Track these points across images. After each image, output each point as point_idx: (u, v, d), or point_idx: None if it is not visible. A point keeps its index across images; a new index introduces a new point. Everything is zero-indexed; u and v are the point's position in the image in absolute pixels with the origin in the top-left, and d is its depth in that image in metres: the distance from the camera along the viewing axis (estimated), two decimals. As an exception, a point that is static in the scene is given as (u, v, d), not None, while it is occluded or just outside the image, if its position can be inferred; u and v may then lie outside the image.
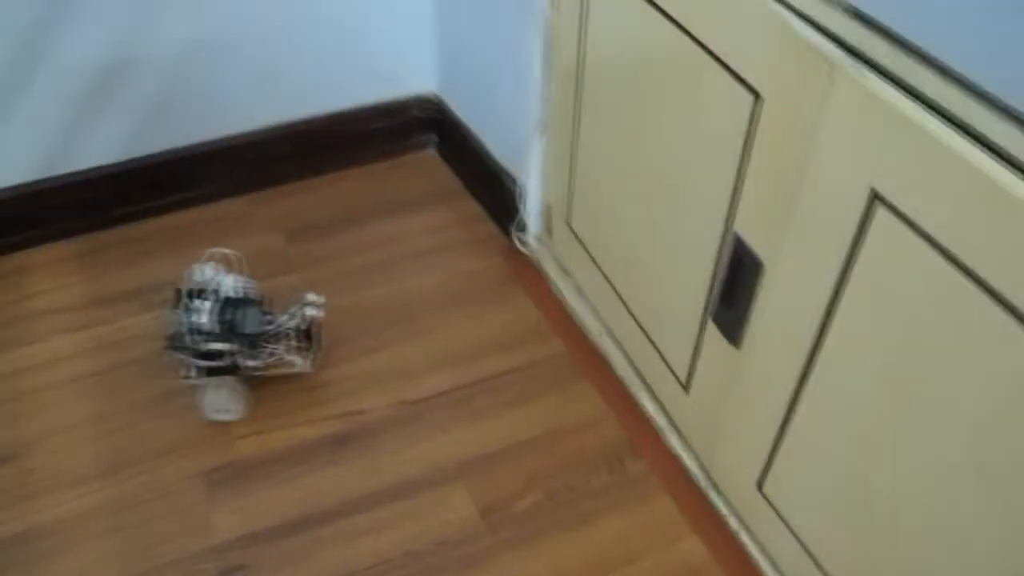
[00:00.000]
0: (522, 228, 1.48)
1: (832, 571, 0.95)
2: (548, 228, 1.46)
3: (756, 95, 0.85)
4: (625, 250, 1.22)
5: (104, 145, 1.47)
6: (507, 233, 1.51)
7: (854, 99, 0.73)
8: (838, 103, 0.75)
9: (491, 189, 1.54)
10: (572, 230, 1.37)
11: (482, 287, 1.45)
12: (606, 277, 1.29)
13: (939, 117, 0.67)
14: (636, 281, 1.21)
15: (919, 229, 0.70)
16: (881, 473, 0.83)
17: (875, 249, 0.75)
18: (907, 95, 0.69)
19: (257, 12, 1.44)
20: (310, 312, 1.21)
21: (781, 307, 0.90)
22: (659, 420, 1.24)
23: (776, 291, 0.91)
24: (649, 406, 1.25)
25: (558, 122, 1.30)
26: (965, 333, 0.68)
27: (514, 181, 1.45)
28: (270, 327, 1.20)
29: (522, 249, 1.50)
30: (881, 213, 0.73)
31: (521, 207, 1.46)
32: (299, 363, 1.24)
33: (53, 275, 1.46)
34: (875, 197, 0.73)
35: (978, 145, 0.64)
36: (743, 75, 0.86)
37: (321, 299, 1.22)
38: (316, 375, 1.28)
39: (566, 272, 1.44)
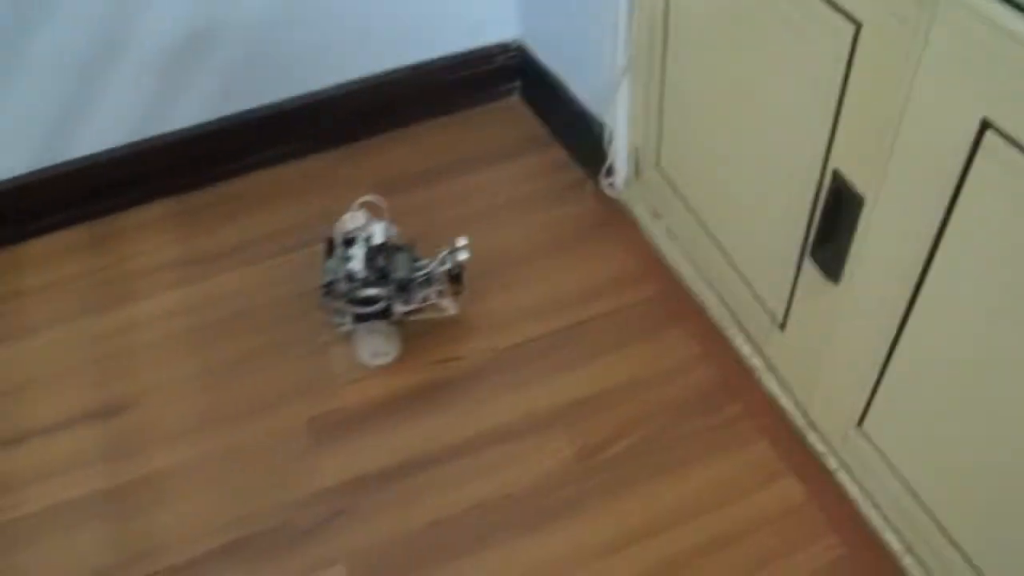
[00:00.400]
0: (610, 173, 1.47)
1: (935, 508, 0.94)
2: (637, 171, 1.44)
3: (856, 24, 0.82)
4: (718, 189, 1.20)
5: (197, 106, 1.50)
6: (595, 179, 1.50)
7: (961, 20, 0.70)
8: (942, 27, 0.72)
9: (577, 135, 1.53)
10: (662, 172, 1.35)
11: (572, 233, 1.44)
12: (698, 218, 1.27)
13: (1055, 36, 0.64)
14: (730, 220, 1.20)
15: (1033, 156, 0.67)
16: (988, 409, 0.81)
17: (985, 178, 0.73)
18: (1018, 11, 0.66)
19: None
20: (461, 256, 1.23)
21: (883, 242, 0.88)
22: (755, 361, 1.22)
23: (877, 226, 0.88)
24: (744, 348, 1.24)
25: (644, 63, 1.28)
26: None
27: (601, 126, 1.44)
28: (421, 272, 1.22)
29: (611, 194, 1.49)
30: (992, 140, 0.70)
31: (609, 151, 1.44)
32: (449, 306, 1.27)
33: (154, 234, 1.51)
34: (986, 126, 0.71)
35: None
36: (841, 2, 0.84)
37: (466, 241, 1.24)
38: (416, 321, 1.30)
39: (657, 215, 1.42)
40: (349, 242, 1.22)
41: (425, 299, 1.24)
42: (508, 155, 1.60)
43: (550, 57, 1.58)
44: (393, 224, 1.26)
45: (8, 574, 1.10)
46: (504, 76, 1.68)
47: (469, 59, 1.64)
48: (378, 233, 1.22)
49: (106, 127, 1.47)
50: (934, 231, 0.80)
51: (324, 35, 1.51)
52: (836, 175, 0.91)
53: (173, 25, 1.40)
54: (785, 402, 1.17)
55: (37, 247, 1.50)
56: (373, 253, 1.21)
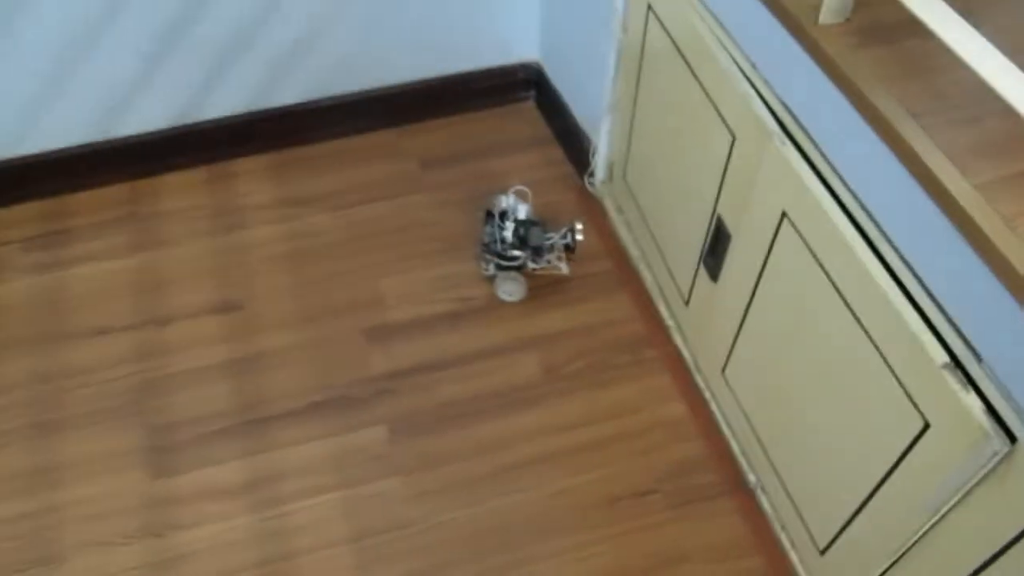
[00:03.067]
0: (592, 175, 2.04)
1: (758, 428, 1.54)
2: (610, 177, 2.01)
3: (733, 136, 1.39)
4: (658, 203, 1.78)
5: (295, 87, 2.05)
6: (581, 176, 2.08)
7: (778, 154, 1.27)
8: (770, 154, 1.29)
9: (572, 142, 2.10)
10: (626, 182, 1.92)
11: (560, 214, 2.01)
12: (645, 219, 1.85)
13: (816, 175, 1.21)
14: (663, 225, 1.77)
15: (803, 239, 1.25)
16: (784, 368, 1.40)
17: (783, 244, 1.31)
18: (804, 159, 1.23)
19: None
20: (578, 237, 1.83)
21: (739, 262, 1.47)
22: (670, 323, 1.82)
23: (736, 253, 1.47)
24: (665, 313, 1.83)
25: (623, 105, 1.83)
26: (819, 299, 1.25)
27: (589, 141, 2.00)
28: (548, 242, 1.81)
29: (590, 190, 2.06)
30: (786, 225, 1.29)
31: (592, 160, 2.01)
32: (564, 268, 1.87)
33: (259, 180, 2.07)
34: (784, 215, 1.29)
35: (829, 193, 1.19)
36: (728, 119, 1.40)
37: (582, 225, 1.84)
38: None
39: (620, 211, 2.00)
40: (503, 215, 1.81)
41: (548, 261, 1.84)
42: (520, 148, 2.16)
43: (559, 80, 2.14)
44: (531, 206, 1.84)
45: (164, 410, 1.69)
46: (523, 86, 2.24)
47: (500, 71, 2.19)
48: (522, 211, 1.81)
49: (227, 98, 2.02)
50: (761, 263, 1.38)
51: (395, 46, 2.05)
52: (719, 219, 1.49)
53: (295, 24, 1.94)
54: (684, 352, 1.77)
55: (171, 180, 2.07)
56: (518, 226, 1.79)
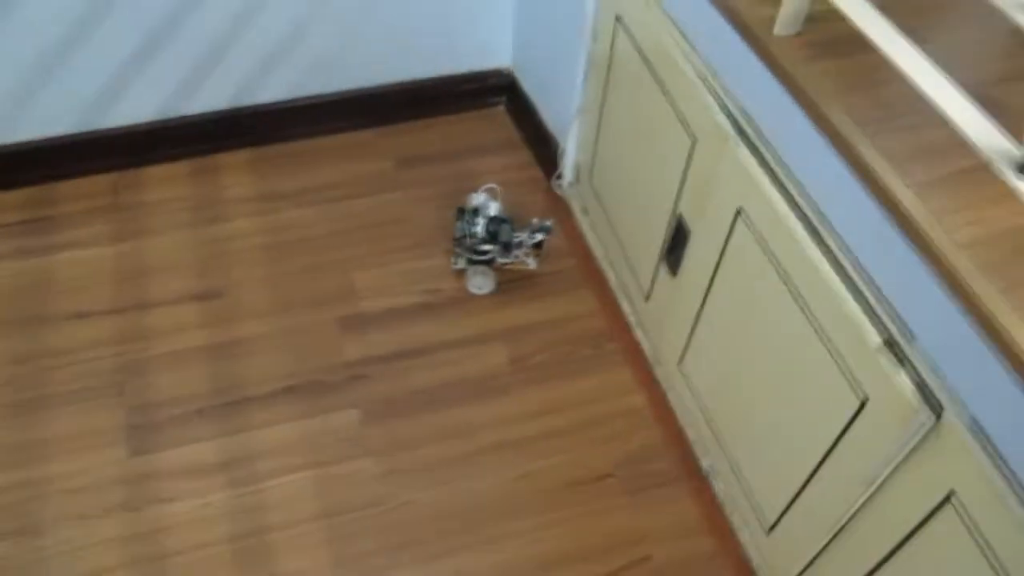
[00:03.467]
0: (559, 177, 2.14)
1: (712, 417, 1.64)
2: (577, 179, 2.11)
3: (694, 139, 1.49)
4: (622, 204, 1.87)
5: (278, 86, 2.13)
6: (548, 179, 2.17)
7: (734, 156, 1.37)
8: (728, 156, 1.39)
9: (541, 146, 2.19)
10: (592, 184, 2.02)
11: (528, 214, 2.09)
12: (609, 220, 1.95)
13: (769, 175, 1.31)
14: (626, 224, 1.87)
15: (756, 234, 1.35)
16: (737, 358, 1.50)
17: (737, 240, 1.41)
18: (758, 161, 1.33)
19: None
20: (543, 235, 1.92)
21: (697, 258, 1.56)
22: (632, 318, 1.91)
23: (695, 249, 1.56)
24: (627, 308, 1.93)
25: (590, 109, 1.93)
26: (769, 290, 1.34)
27: (557, 144, 2.10)
28: (517, 238, 1.90)
29: (558, 192, 2.15)
30: (740, 222, 1.39)
31: (560, 162, 2.10)
32: (532, 264, 1.96)
33: (239, 174, 2.14)
34: (739, 212, 1.39)
35: (780, 191, 1.29)
36: (689, 123, 1.50)
37: (552, 223, 1.93)
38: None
39: (585, 212, 2.09)
40: (474, 212, 1.89)
41: (517, 256, 1.92)
42: (491, 151, 2.25)
43: (530, 86, 2.23)
44: (501, 204, 1.92)
45: (144, 391, 1.75)
46: (495, 92, 2.33)
47: (471, 77, 2.28)
48: (492, 209, 1.89)
49: (210, 94, 2.08)
50: (717, 257, 1.48)
51: (374, 49, 2.13)
52: (679, 217, 1.59)
53: (280, 24, 2.02)
54: (644, 345, 1.87)
55: (155, 172, 2.13)
56: (488, 222, 1.87)
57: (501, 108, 2.37)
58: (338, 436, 1.71)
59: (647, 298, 1.82)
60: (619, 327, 1.92)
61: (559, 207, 2.13)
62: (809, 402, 1.31)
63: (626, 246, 1.88)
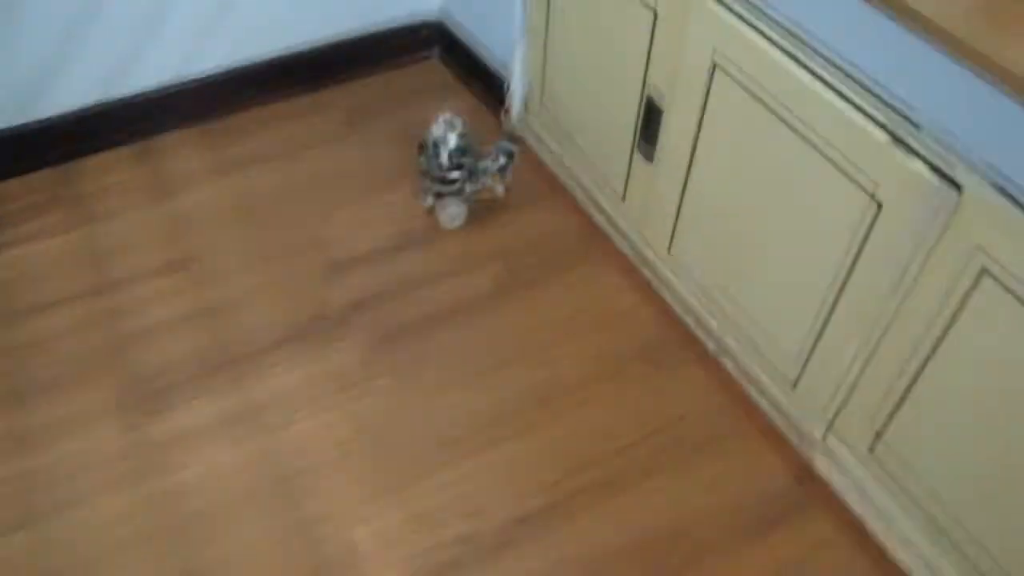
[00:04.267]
0: (507, 112, 2.15)
1: (713, 289, 1.66)
2: (527, 110, 2.13)
3: (655, 13, 1.52)
4: (580, 113, 1.89)
5: (213, 57, 2.09)
6: (496, 116, 2.18)
7: (702, 11, 1.41)
8: (695, 14, 1.43)
9: (484, 85, 2.20)
10: (544, 105, 2.03)
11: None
12: (567, 134, 1.96)
13: (741, 22, 1.35)
14: (589, 133, 1.89)
15: (737, 80, 1.39)
16: (729, 222, 1.53)
17: (717, 95, 1.44)
18: (723, 7, 1.37)
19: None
20: (506, 159, 1.91)
21: (673, 135, 1.59)
22: (607, 228, 1.93)
23: (669, 126, 1.59)
24: (599, 217, 1.95)
25: (535, 29, 1.95)
26: (759, 130, 1.38)
27: (501, 78, 2.11)
28: (482, 164, 1.90)
29: (507, 127, 2.17)
30: (718, 75, 1.42)
31: (508, 96, 2.12)
32: (499, 190, 1.95)
33: (187, 150, 2.09)
34: (715, 66, 1.42)
35: (760, 36, 1.32)
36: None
37: (515, 147, 1.91)
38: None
39: (540, 140, 2.11)
40: (435, 144, 1.86)
41: (484, 184, 1.92)
42: (434, 98, 2.25)
43: (463, 28, 2.24)
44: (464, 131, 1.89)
45: (133, 365, 1.68)
46: (427, 43, 2.33)
47: (402, 30, 2.28)
48: (453, 140, 1.86)
49: (148, 70, 2.03)
50: (696, 125, 1.51)
51: (295, 8, 2.12)
52: (649, 98, 1.62)
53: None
54: (625, 248, 1.89)
55: (98, 160, 2.06)
56: (452, 153, 1.86)
57: (434, 61, 2.37)
58: (343, 374, 1.68)
59: (623, 197, 1.84)
60: (596, 236, 1.94)
61: (512, 142, 2.14)
62: (821, 225, 1.34)
63: (592, 154, 1.90)
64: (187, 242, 1.89)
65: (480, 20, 2.16)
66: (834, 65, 1.23)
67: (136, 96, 2.05)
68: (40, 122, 1.98)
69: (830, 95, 1.24)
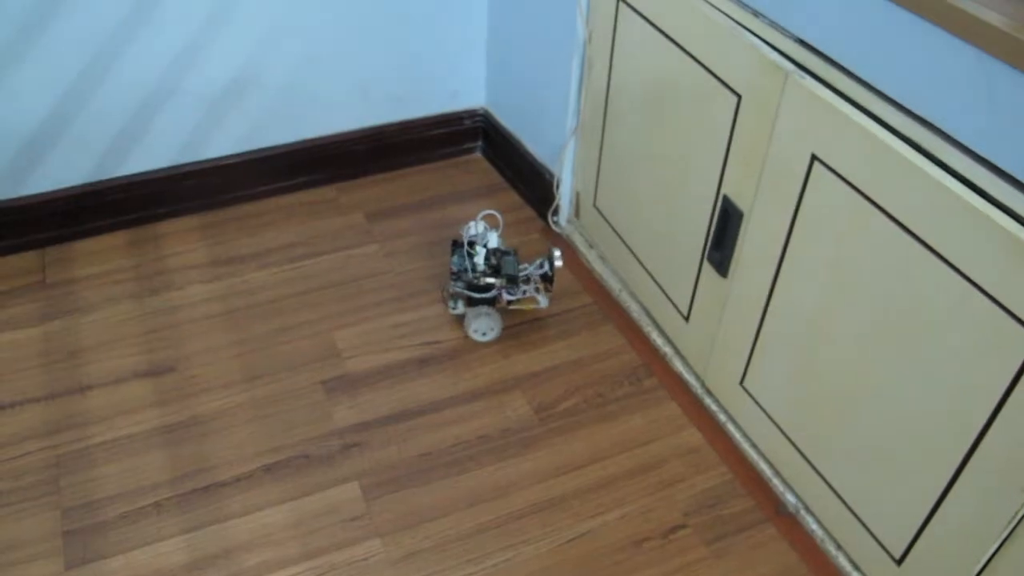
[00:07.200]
0: (555, 212, 1.88)
1: (795, 439, 1.34)
2: (577, 211, 1.86)
3: (738, 96, 1.26)
4: (640, 219, 1.62)
5: (226, 139, 1.86)
6: (543, 217, 1.91)
7: (798, 92, 1.13)
8: (790, 95, 1.15)
9: (530, 183, 1.95)
10: (597, 209, 1.76)
11: (525, 257, 1.84)
12: (624, 242, 1.69)
13: (849, 104, 1.07)
14: (649, 242, 1.61)
15: (844, 179, 1.10)
16: (825, 353, 1.22)
17: (815, 193, 1.16)
18: (830, 91, 1.09)
19: (353, 34, 1.85)
20: (556, 264, 1.62)
21: (755, 244, 1.30)
22: (666, 349, 1.63)
23: (752, 233, 1.30)
24: (658, 339, 1.64)
25: (589, 127, 1.70)
26: (878, 252, 1.08)
27: (551, 175, 1.85)
28: (525, 271, 1.62)
29: (555, 229, 1.90)
30: (817, 169, 1.14)
31: (556, 194, 1.86)
32: (542, 301, 1.66)
33: (186, 241, 1.84)
34: (814, 158, 1.14)
35: (873, 121, 1.04)
36: (729, 82, 1.27)
37: (561, 253, 1.63)
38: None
39: (591, 245, 1.83)
40: (471, 244, 1.60)
41: (525, 292, 1.62)
42: (473, 196, 2.00)
43: (511, 121, 2.00)
44: (502, 235, 1.64)
45: (91, 485, 1.40)
46: (470, 136, 2.09)
47: (443, 121, 2.05)
48: (493, 239, 1.61)
49: (153, 153, 1.81)
50: (785, 233, 1.22)
51: (333, 94, 1.90)
52: (725, 199, 1.34)
53: (220, 75, 1.77)
54: (688, 376, 1.58)
55: (87, 245, 1.82)
56: (489, 253, 1.59)
57: (478, 155, 2.13)
58: (337, 517, 1.37)
59: (687, 318, 1.54)
60: (655, 361, 1.63)
61: (560, 246, 1.87)
62: (948, 371, 1.03)
63: (652, 266, 1.62)
64: (169, 346, 1.62)
65: (529, 112, 1.92)
66: (977, 158, 0.94)
67: (136, 176, 1.82)
68: (31, 199, 1.76)
69: (971, 196, 0.94)
